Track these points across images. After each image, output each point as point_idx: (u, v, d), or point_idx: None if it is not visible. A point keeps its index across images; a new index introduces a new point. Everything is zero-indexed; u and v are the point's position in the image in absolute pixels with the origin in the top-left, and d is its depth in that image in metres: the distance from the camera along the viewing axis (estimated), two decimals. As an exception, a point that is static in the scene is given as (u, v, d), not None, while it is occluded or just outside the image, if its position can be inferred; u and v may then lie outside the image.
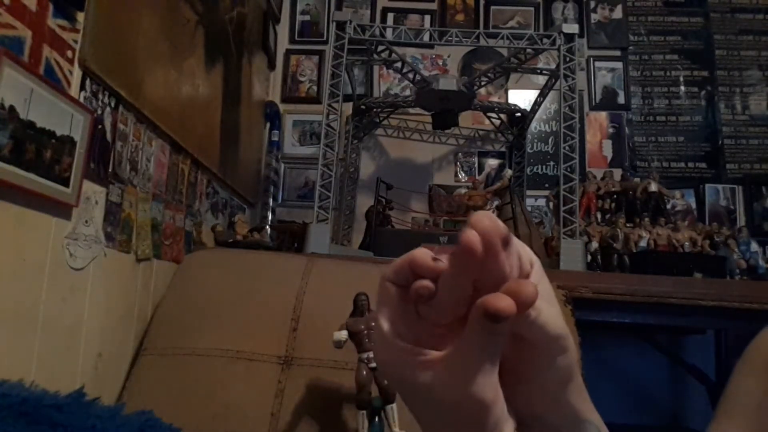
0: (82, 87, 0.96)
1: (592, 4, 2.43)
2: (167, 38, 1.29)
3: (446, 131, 2.18)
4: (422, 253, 0.29)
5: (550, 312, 0.29)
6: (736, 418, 0.49)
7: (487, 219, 0.27)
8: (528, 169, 2.23)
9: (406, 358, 0.29)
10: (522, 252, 0.30)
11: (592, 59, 2.38)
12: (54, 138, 0.86)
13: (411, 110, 2.17)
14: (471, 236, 0.26)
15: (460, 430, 0.29)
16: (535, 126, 2.30)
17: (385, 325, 0.30)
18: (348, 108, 2.08)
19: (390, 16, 2.42)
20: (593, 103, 2.35)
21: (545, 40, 1.63)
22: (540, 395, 0.31)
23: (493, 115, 2.19)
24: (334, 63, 1.61)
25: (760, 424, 0.47)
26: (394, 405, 0.93)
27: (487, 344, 0.27)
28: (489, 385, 0.28)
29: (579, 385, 0.32)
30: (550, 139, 2.33)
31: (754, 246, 1.81)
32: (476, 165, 2.32)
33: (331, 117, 1.58)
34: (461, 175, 2.31)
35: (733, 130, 2.31)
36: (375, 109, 2.12)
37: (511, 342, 0.29)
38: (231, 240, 1.58)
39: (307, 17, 2.44)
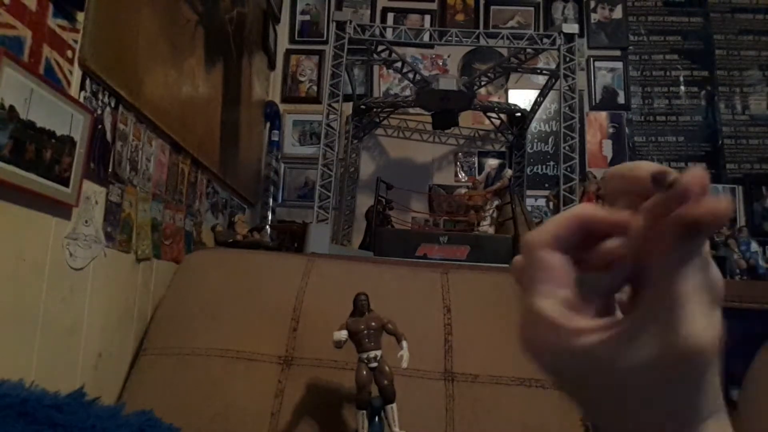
0: (82, 87, 0.96)
1: (592, 4, 2.43)
2: (167, 38, 1.29)
3: (446, 131, 2.18)
4: (594, 208, 0.24)
5: None
6: None
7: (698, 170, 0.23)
8: (528, 169, 2.23)
9: (591, 335, 0.24)
10: None
11: (592, 59, 2.38)
12: (54, 138, 0.86)
13: (411, 110, 2.17)
14: (689, 177, 0.22)
15: (665, 404, 0.23)
16: (535, 126, 2.30)
17: (552, 307, 0.24)
18: (348, 108, 2.08)
19: (390, 16, 2.42)
20: (593, 103, 2.35)
21: (545, 40, 1.63)
22: None
23: (493, 115, 2.19)
24: (334, 63, 1.61)
25: None
26: (394, 405, 0.93)
27: (689, 267, 0.22)
28: (710, 324, 0.22)
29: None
30: (550, 139, 2.33)
31: (754, 246, 1.81)
32: (476, 165, 2.32)
33: (331, 117, 1.58)
34: (461, 175, 2.31)
35: (733, 130, 2.31)
36: (375, 109, 2.12)
37: None
38: (231, 240, 1.58)
39: (307, 17, 2.44)
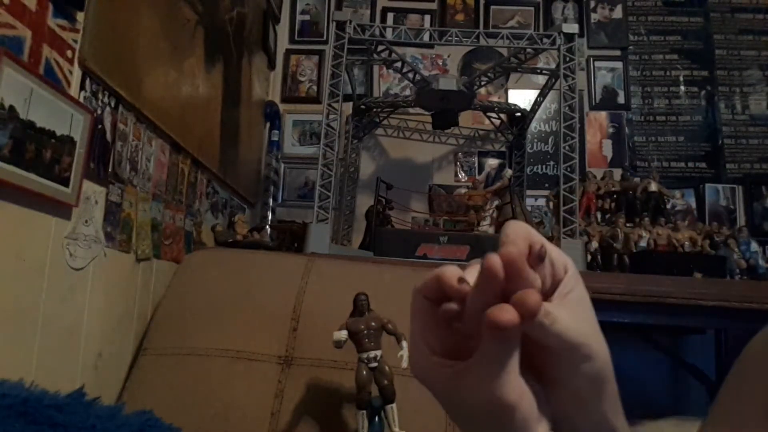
0: (82, 87, 0.96)
1: (592, 4, 2.43)
2: (167, 38, 1.29)
3: (446, 131, 2.18)
4: (450, 274, 0.30)
5: (571, 320, 0.29)
6: (726, 426, 0.48)
7: (518, 240, 0.28)
8: (528, 169, 2.22)
9: (438, 370, 0.31)
10: (555, 259, 0.30)
11: (592, 59, 2.37)
12: (54, 138, 0.86)
13: (411, 110, 2.17)
14: (492, 262, 0.27)
15: (493, 429, 0.30)
16: (535, 126, 2.30)
17: (418, 339, 0.32)
18: (348, 108, 2.07)
19: (390, 16, 2.42)
20: (593, 103, 2.34)
21: (545, 40, 1.63)
22: (572, 400, 0.31)
23: (493, 114, 2.19)
24: (334, 63, 1.61)
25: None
26: (393, 405, 0.93)
27: (500, 351, 0.28)
28: (510, 388, 0.28)
29: (613, 393, 0.33)
30: (550, 139, 2.33)
31: (754, 246, 1.81)
32: (476, 165, 2.32)
33: (331, 117, 1.58)
34: (461, 175, 2.31)
35: (733, 130, 2.31)
36: (375, 109, 2.12)
37: (539, 347, 0.29)
38: (231, 240, 1.58)
39: (307, 17, 2.44)
